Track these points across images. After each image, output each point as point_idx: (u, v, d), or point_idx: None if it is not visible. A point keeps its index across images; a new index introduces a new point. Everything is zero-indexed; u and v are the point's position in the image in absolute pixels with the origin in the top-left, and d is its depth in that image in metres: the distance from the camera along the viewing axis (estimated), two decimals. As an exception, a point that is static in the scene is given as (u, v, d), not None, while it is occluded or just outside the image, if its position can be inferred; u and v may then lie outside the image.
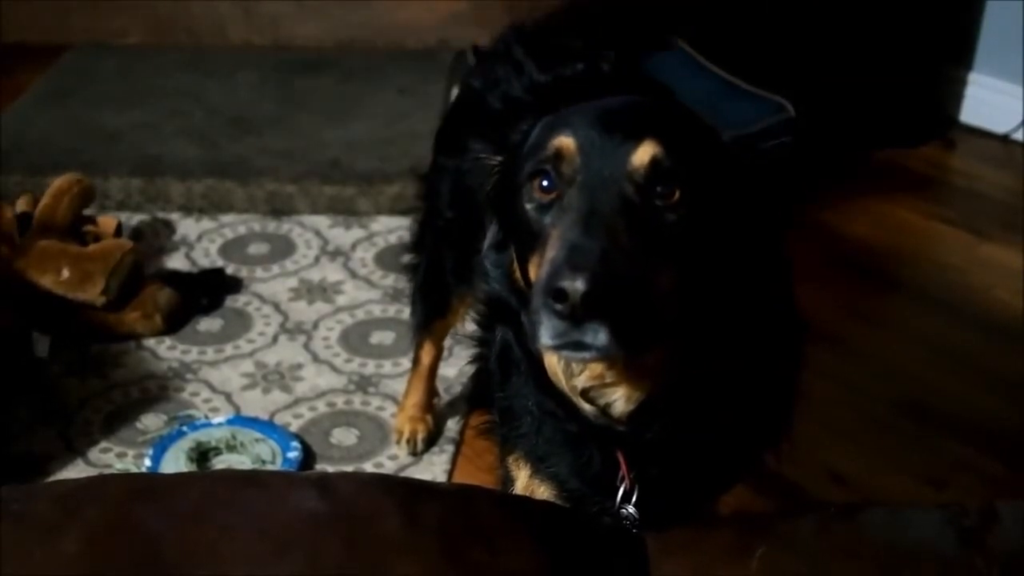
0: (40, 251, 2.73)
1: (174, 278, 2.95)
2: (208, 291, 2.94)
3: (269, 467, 2.40)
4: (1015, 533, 1.13)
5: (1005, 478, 2.45)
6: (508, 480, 1.58)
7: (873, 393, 2.72)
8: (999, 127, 3.93)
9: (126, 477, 1.41)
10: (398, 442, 2.50)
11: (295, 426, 2.55)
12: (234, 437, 2.47)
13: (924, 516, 1.18)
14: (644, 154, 1.23)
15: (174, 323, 2.84)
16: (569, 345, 1.17)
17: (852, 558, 1.12)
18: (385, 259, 3.14)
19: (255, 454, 2.44)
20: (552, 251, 1.20)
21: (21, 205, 2.87)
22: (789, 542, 1.16)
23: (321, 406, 2.62)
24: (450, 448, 2.52)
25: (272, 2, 4.21)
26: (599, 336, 1.15)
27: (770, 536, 1.16)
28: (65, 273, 2.71)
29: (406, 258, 2.43)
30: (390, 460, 2.48)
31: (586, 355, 1.20)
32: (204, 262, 3.12)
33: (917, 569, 1.10)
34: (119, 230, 2.97)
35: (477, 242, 1.47)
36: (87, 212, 2.97)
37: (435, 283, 2.22)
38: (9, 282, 2.67)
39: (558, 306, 1.14)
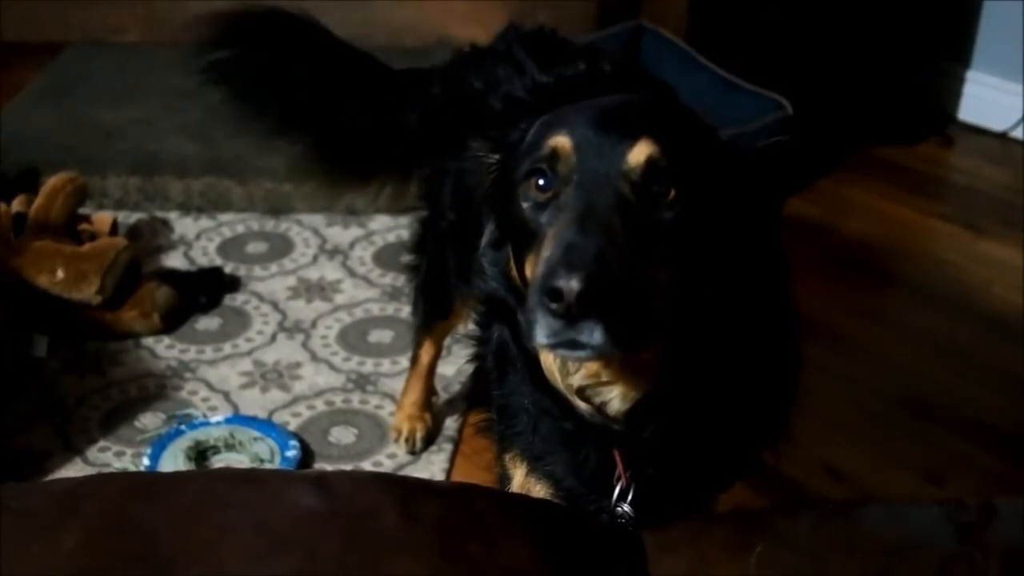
0: (35, 251, 2.73)
1: (172, 277, 2.95)
2: (206, 290, 2.94)
3: (267, 466, 2.40)
4: (1013, 529, 1.14)
5: (1004, 474, 2.46)
6: (505, 478, 1.58)
7: (871, 389, 2.72)
8: (997, 124, 3.94)
9: (124, 475, 1.41)
10: (396, 440, 2.50)
11: (293, 425, 2.55)
12: (232, 436, 2.47)
13: (922, 512, 1.18)
14: (640, 153, 1.23)
15: (172, 322, 2.83)
16: (564, 344, 1.17)
17: (850, 554, 1.12)
18: (383, 258, 3.14)
19: (253, 453, 2.44)
20: (548, 250, 1.20)
21: (17, 205, 2.86)
22: (787, 538, 1.16)
23: (319, 405, 2.62)
24: (448, 446, 2.52)
25: (269, 1, 4.20)
26: (594, 335, 1.15)
27: (768, 532, 1.16)
28: (60, 273, 2.70)
29: (406, 258, 2.43)
30: (388, 459, 2.48)
31: (581, 354, 1.19)
32: (202, 261, 3.12)
33: (915, 565, 1.10)
34: (115, 227, 2.97)
35: (479, 243, 1.47)
36: (82, 211, 2.96)
37: (437, 284, 2.22)
38: (4, 282, 2.66)
39: (553, 305, 1.14)
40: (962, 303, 3.06)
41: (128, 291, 2.79)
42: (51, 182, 2.86)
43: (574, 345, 1.17)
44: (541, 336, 1.18)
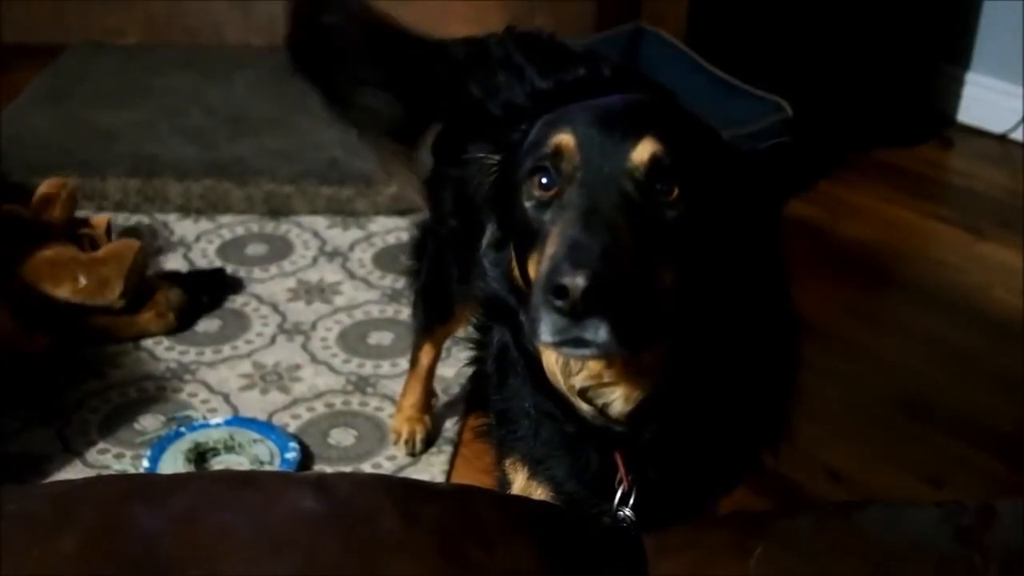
0: (50, 262, 2.70)
1: (175, 278, 2.94)
2: (209, 290, 2.93)
3: (267, 468, 2.40)
4: (1013, 531, 1.13)
5: (1004, 476, 2.46)
6: (505, 483, 1.58)
7: (871, 391, 2.72)
8: (997, 126, 3.94)
9: (123, 477, 1.41)
10: (396, 443, 2.50)
11: (293, 427, 2.55)
12: (232, 438, 2.47)
13: (922, 514, 1.18)
14: (644, 151, 1.23)
15: (185, 321, 2.83)
16: (569, 342, 1.17)
17: (850, 556, 1.12)
18: (383, 260, 3.14)
19: (253, 455, 2.44)
20: (552, 248, 1.20)
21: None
22: (787, 540, 1.16)
23: (319, 407, 2.62)
24: (448, 449, 2.52)
25: (269, 2, 4.20)
26: (599, 332, 1.15)
27: (768, 534, 1.16)
28: (82, 281, 2.69)
29: (407, 261, 2.43)
30: (388, 461, 2.48)
31: (586, 352, 1.19)
32: (202, 263, 3.11)
33: (915, 567, 1.10)
34: (109, 228, 2.95)
35: (480, 247, 1.47)
36: (80, 213, 2.95)
37: (438, 289, 2.21)
38: (6, 287, 2.65)
39: (558, 302, 1.14)
40: (962, 305, 3.06)
41: (139, 292, 2.78)
42: (43, 190, 2.83)
43: (579, 343, 1.17)
44: (546, 334, 1.17)
